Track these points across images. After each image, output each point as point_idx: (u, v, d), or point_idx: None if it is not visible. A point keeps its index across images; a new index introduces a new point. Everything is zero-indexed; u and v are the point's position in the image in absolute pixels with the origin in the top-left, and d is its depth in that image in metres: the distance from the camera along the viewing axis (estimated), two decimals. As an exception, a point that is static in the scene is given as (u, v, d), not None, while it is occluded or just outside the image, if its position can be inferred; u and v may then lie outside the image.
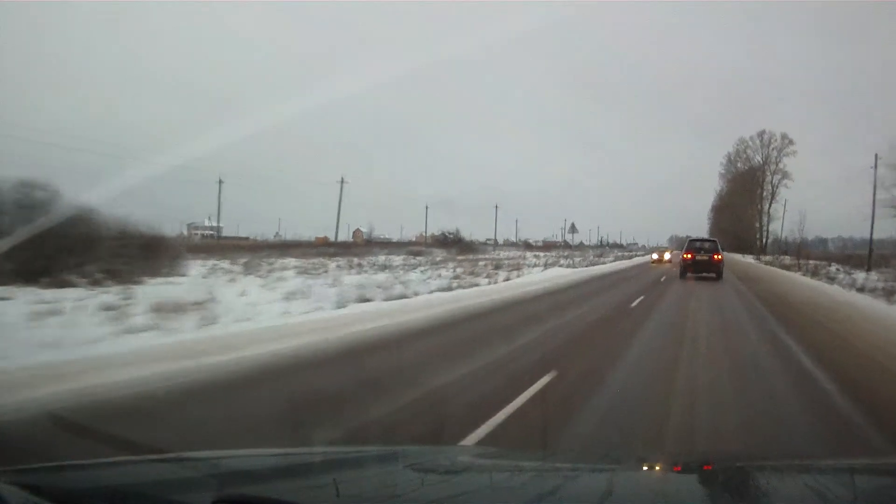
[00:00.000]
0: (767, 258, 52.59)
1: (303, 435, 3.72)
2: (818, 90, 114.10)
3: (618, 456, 2.57)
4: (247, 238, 55.60)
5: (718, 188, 77.85)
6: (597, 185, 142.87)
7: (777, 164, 69.43)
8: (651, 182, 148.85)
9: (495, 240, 74.75)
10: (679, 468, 1.95)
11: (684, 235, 38.96)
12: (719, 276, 22.77)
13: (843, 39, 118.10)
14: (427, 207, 70.83)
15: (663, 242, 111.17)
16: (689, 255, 23.67)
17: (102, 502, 1.33)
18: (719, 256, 23.69)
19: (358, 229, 77.35)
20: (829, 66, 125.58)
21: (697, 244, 24.49)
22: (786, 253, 53.28)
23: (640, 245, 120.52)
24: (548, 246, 74.44)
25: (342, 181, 49.01)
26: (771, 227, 69.96)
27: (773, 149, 69.47)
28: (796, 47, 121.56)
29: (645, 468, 1.98)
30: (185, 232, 61.49)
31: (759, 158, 70.73)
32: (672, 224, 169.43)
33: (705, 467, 1.94)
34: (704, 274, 22.88)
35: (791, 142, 68.38)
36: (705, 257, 23.41)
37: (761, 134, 70.25)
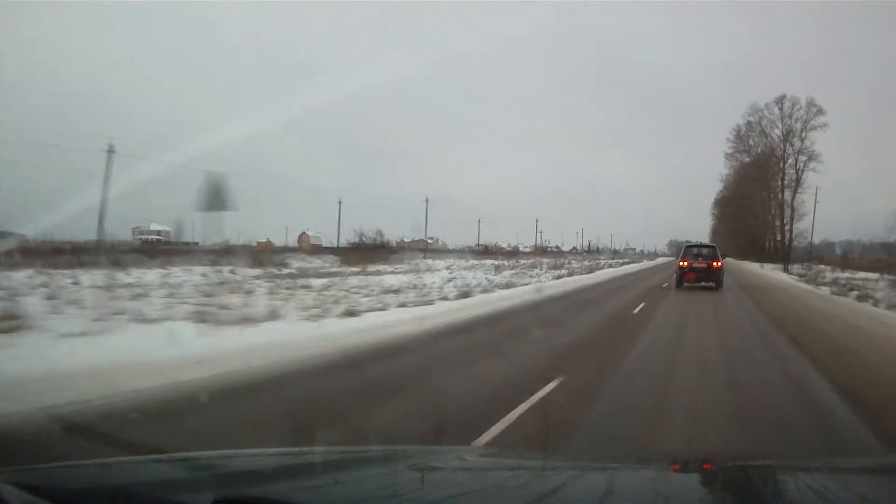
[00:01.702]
0: (798, 268, 39.28)
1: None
2: (818, 87, 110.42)
3: (618, 456, 2.55)
4: (196, 244, 49.50)
5: (724, 175, 60.41)
6: (590, 189, 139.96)
7: (802, 141, 50.67)
8: (650, 185, 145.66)
9: (426, 243, 61.48)
10: (679, 467, 1.95)
11: (684, 240, 34.38)
12: (719, 285, 21.10)
13: (843, 38, 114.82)
14: (340, 203, 57.13)
15: (662, 247, 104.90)
16: (686, 262, 21.88)
17: (102, 502, 1.34)
18: (719, 263, 21.87)
19: (304, 233, 74.36)
20: (826, 63, 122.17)
21: (695, 250, 22.72)
22: (819, 260, 42.99)
23: (636, 251, 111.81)
24: (537, 252, 66.27)
25: (109, 149, 28.90)
26: (796, 227, 52.35)
27: (796, 120, 50.79)
28: (796, 38, 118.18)
29: (645, 468, 1.98)
30: (130, 236, 57.77)
31: (779, 133, 51.96)
32: (672, 228, 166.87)
33: (705, 466, 1.95)
34: (703, 283, 21.20)
35: (820, 111, 49.62)
36: (703, 264, 21.59)
37: (780, 100, 51.50)
